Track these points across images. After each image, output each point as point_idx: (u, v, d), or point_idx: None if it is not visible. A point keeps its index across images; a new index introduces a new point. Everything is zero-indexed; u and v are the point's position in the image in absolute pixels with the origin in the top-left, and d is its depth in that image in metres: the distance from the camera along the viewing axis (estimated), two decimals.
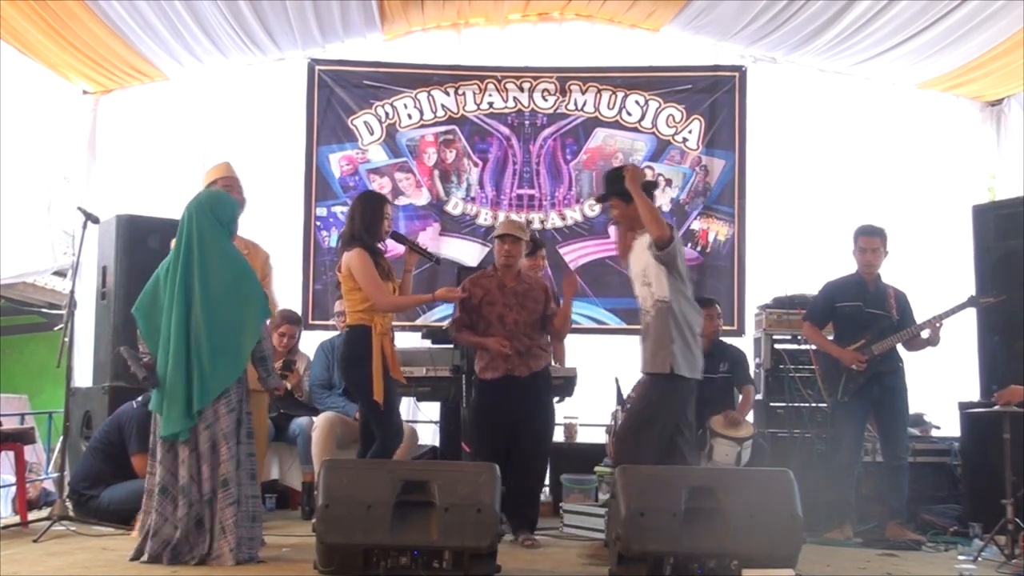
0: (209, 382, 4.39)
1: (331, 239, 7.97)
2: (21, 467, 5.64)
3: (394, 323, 5.42)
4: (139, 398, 5.46)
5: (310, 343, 6.90)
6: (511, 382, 5.34)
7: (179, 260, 4.49)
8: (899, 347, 5.91)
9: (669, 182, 8.20)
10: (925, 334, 5.85)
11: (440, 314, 7.57)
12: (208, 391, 4.38)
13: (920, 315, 5.94)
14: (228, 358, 4.44)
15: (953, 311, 5.78)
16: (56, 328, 5.60)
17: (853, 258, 6.01)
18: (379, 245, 5.15)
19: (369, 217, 5.08)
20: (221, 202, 4.69)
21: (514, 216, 7.79)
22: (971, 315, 6.20)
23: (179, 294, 4.43)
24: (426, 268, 7.42)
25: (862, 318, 5.90)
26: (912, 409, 6.95)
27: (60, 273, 8.80)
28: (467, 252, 8.03)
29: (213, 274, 4.47)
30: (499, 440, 5.32)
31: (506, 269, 5.46)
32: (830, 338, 6.06)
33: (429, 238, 7.91)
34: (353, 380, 5.20)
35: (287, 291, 7.44)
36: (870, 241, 5.91)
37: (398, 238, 5.49)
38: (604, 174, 5.58)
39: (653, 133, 8.25)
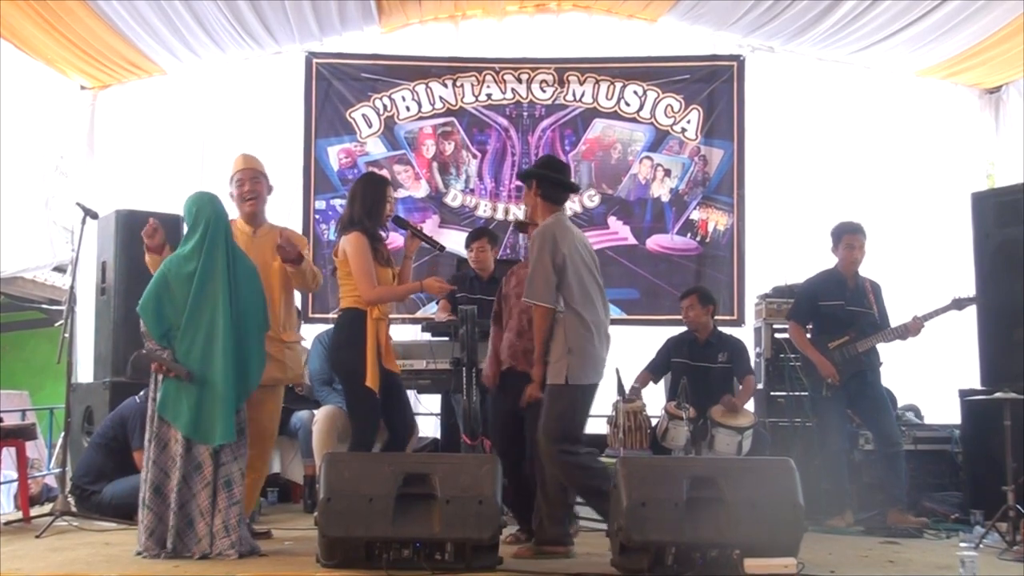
0: (250, 379, 4.47)
1: (330, 232, 7.96)
2: (23, 463, 5.63)
3: (393, 315, 5.33)
4: (142, 392, 5.45)
5: (309, 336, 6.88)
6: (516, 376, 4.94)
7: (213, 262, 4.41)
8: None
9: (668, 172, 8.20)
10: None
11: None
12: (247, 389, 4.47)
13: (915, 303, 5.99)
14: (261, 355, 4.53)
15: (936, 313, 5.83)
16: (56, 324, 5.61)
17: (834, 255, 6.06)
18: (380, 232, 4.93)
19: (371, 201, 4.86)
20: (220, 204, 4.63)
21: (502, 206, 7.73)
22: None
23: (223, 296, 4.38)
24: (426, 259, 7.44)
25: (844, 316, 5.99)
26: (909, 399, 7.01)
27: (60, 269, 8.80)
28: None
29: (243, 277, 4.50)
30: (510, 432, 5.03)
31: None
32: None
33: (428, 230, 7.87)
34: (342, 363, 4.83)
35: None
36: (857, 238, 5.96)
37: (400, 223, 5.29)
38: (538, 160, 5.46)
39: (651, 123, 8.24)
